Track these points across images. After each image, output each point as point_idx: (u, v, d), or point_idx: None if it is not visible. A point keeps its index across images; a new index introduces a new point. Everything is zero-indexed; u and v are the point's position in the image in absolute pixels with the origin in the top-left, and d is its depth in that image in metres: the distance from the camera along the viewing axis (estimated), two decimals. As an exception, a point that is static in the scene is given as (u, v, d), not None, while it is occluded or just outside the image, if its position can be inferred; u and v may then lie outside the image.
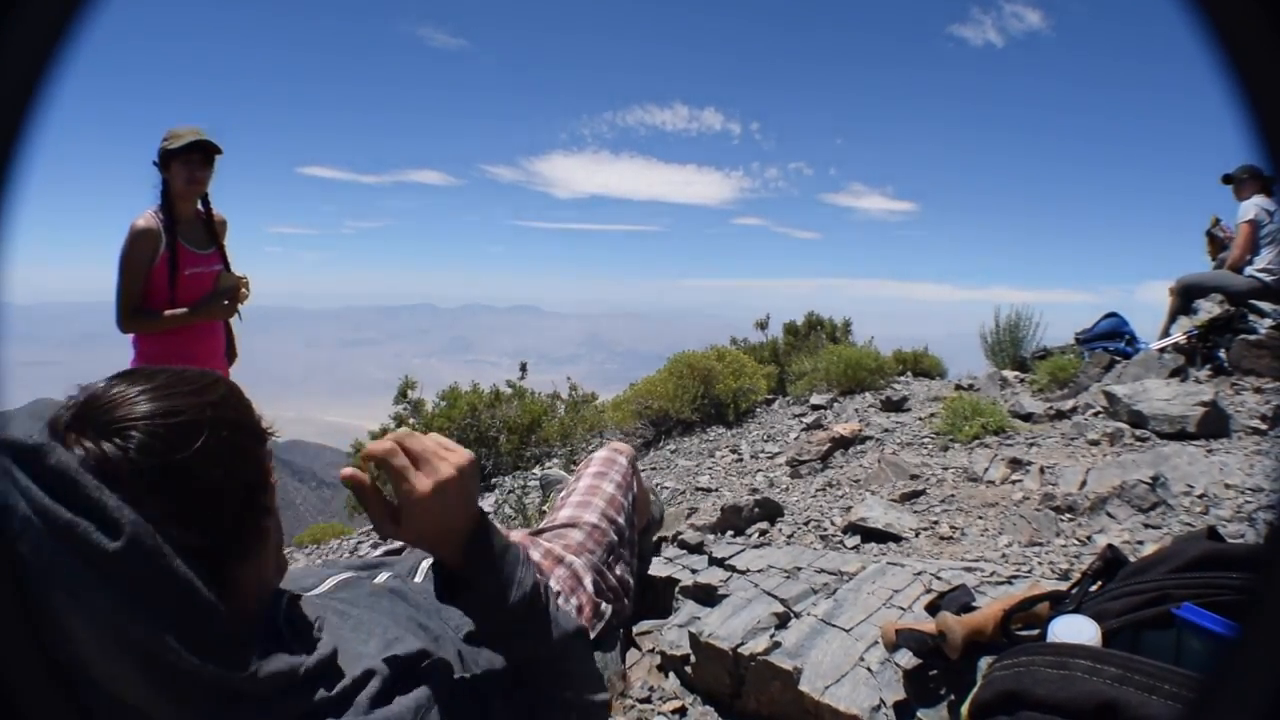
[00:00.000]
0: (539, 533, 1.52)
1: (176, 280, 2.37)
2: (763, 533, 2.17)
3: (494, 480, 4.26)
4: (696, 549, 1.96)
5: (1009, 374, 4.33)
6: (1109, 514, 1.93)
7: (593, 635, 1.41)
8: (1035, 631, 1.05)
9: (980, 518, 2.06)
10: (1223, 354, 3.30)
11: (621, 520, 1.57)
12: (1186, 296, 4.20)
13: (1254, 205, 4.21)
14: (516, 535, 1.48)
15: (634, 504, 1.65)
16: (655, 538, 2.07)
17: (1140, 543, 1.74)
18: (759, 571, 1.71)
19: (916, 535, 1.97)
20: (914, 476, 2.49)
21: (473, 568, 0.72)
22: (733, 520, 2.23)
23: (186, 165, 2.38)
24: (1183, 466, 2.13)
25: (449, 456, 0.71)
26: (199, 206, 2.48)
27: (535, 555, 1.41)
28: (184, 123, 2.51)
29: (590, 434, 4.67)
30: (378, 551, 1.27)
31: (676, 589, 1.78)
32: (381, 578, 0.94)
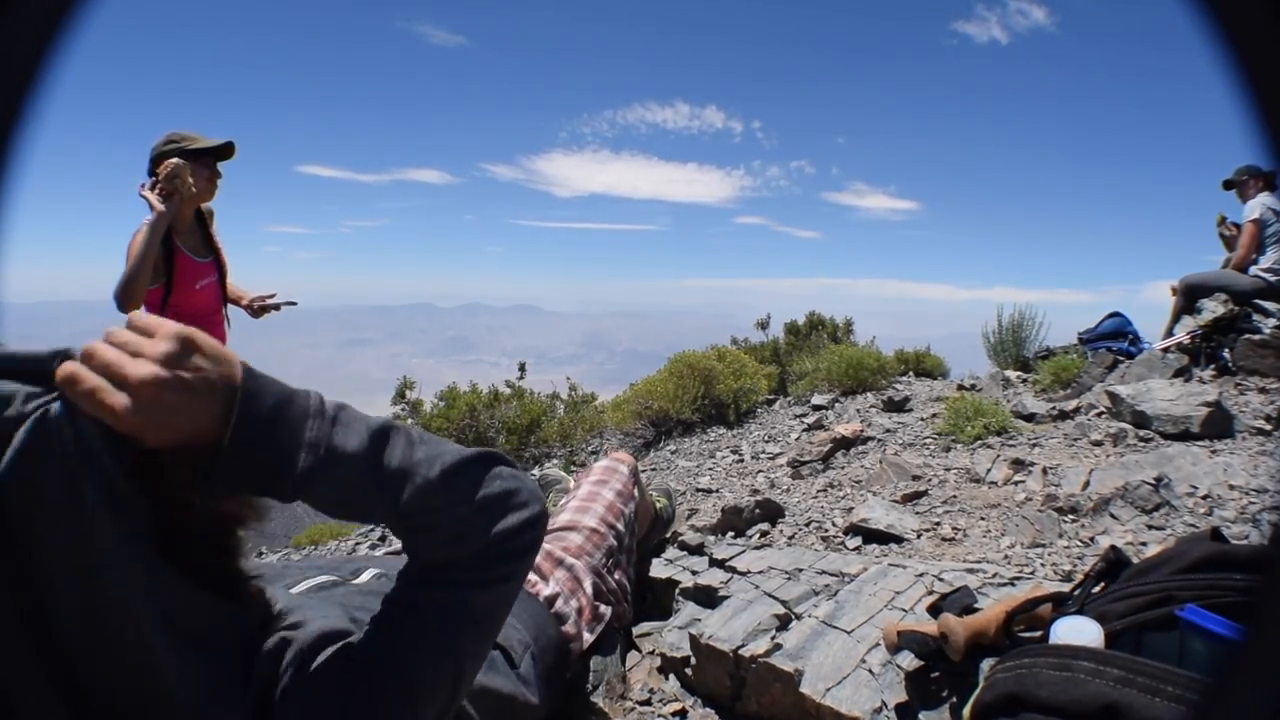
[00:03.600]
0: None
1: (173, 281, 2.36)
2: (763, 534, 2.16)
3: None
4: (697, 550, 1.95)
5: (1011, 374, 4.31)
6: (1112, 515, 1.92)
7: (591, 638, 1.41)
8: (1038, 633, 1.04)
9: (982, 519, 2.05)
10: (1227, 354, 3.28)
11: (621, 526, 1.57)
12: (1190, 296, 4.19)
13: (1260, 204, 4.20)
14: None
15: (635, 512, 1.65)
16: (667, 534, 2.07)
17: (1143, 544, 1.73)
18: (760, 573, 1.70)
19: (918, 536, 1.96)
20: (916, 477, 2.48)
21: (232, 452, 0.58)
22: (733, 521, 2.22)
23: (209, 166, 2.39)
24: (1186, 467, 2.12)
25: (147, 350, 0.56)
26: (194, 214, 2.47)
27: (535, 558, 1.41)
28: (177, 123, 2.50)
29: (590, 434, 4.67)
30: (379, 552, 1.27)
31: (677, 590, 1.78)
32: (365, 576, 0.95)
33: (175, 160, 2.26)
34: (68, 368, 0.55)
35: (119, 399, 0.54)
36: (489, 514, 0.70)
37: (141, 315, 0.59)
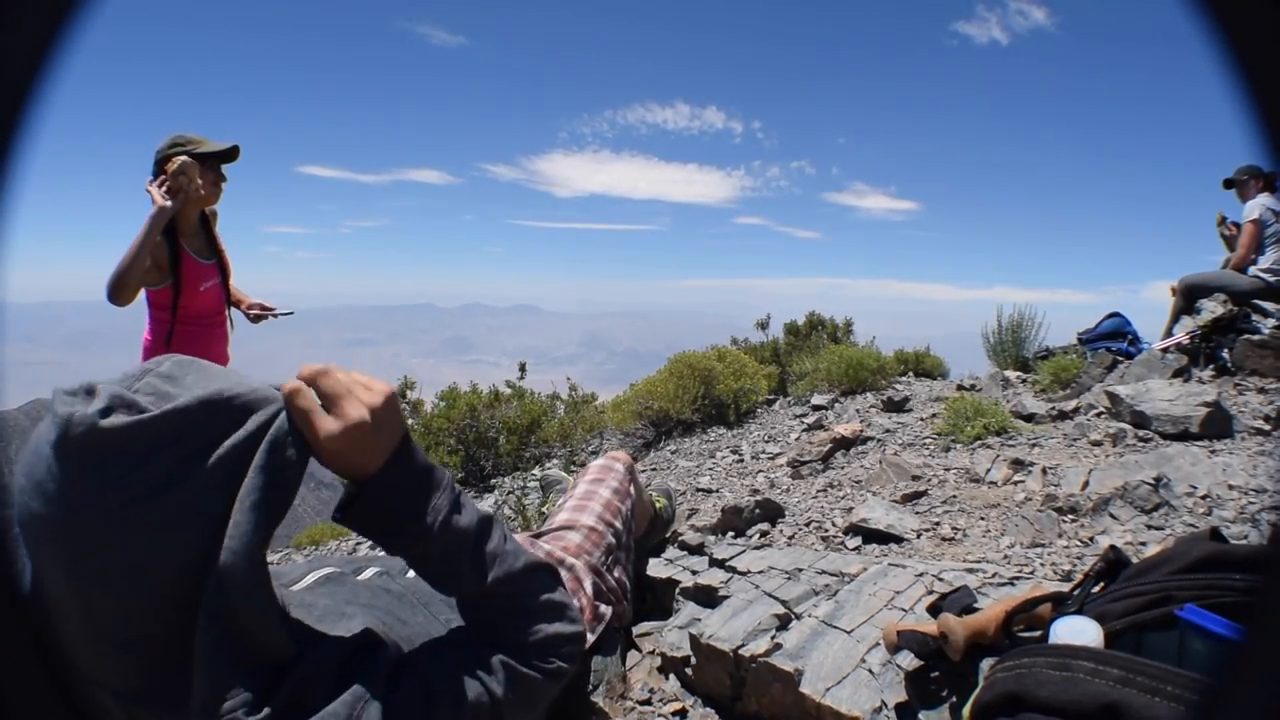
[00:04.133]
0: (537, 535, 1.52)
1: (180, 283, 2.36)
2: (763, 534, 2.16)
3: (493, 481, 4.26)
4: (697, 550, 1.96)
5: (1011, 374, 4.32)
6: (1111, 515, 1.92)
7: (592, 638, 1.41)
8: (1037, 633, 1.04)
9: (982, 519, 2.05)
10: (1226, 354, 3.28)
11: (619, 524, 1.57)
12: (1190, 296, 4.19)
13: (1259, 205, 4.21)
14: (517, 538, 1.49)
15: (632, 509, 1.65)
16: (667, 534, 2.07)
17: (1143, 544, 1.73)
18: (760, 573, 1.71)
19: (918, 536, 1.96)
20: (915, 477, 2.48)
21: (376, 492, 0.71)
22: (733, 521, 2.22)
23: (214, 170, 2.39)
24: (1186, 467, 2.12)
25: (363, 396, 0.69)
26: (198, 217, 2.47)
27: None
28: (176, 125, 2.52)
29: (590, 435, 4.67)
30: (380, 552, 1.27)
31: (677, 590, 1.78)
32: (367, 574, 0.96)
33: (185, 158, 2.26)
34: (294, 384, 0.68)
35: (328, 424, 0.67)
36: (549, 613, 0.85)
37: (357, 376, 0.72)
